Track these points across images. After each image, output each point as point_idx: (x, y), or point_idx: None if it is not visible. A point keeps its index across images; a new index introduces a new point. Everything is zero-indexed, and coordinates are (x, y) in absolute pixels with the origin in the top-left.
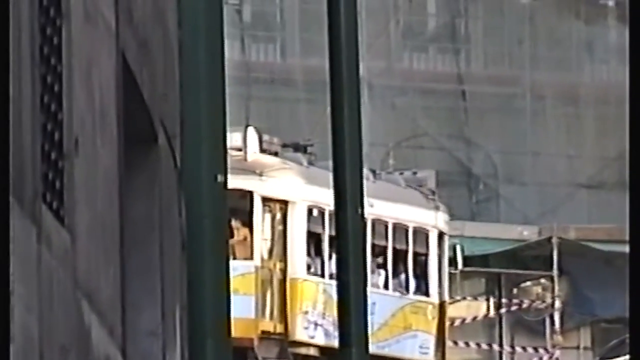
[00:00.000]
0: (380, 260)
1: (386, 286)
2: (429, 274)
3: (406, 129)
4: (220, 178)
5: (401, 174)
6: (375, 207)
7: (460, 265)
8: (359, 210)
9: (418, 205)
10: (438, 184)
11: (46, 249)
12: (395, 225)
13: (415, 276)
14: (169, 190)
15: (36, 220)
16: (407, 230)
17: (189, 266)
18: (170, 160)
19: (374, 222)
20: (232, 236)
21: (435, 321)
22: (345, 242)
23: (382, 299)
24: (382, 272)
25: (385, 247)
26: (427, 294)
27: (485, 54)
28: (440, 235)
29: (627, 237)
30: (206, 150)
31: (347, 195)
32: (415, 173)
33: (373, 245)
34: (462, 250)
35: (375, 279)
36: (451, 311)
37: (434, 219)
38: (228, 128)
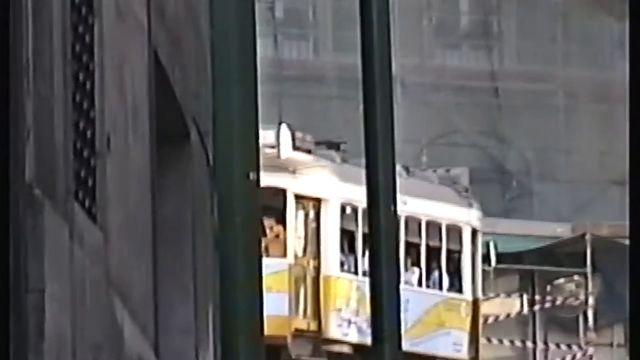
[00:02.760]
0: (413, 257)
1: (419, 283)
2: (463, 271)
3: (439, 126)
4: (252, 176)
5: (434, 171)
6: (409, 205)
7: (493, 263)
8: (392, 208)
9: (451, 203)
10: (471, 181)
11: (79, 247)
12: (428, 223)
13: (449, 273)
14: (201, 187)
15: (68, 218)
16: (440, 228)
17: (221, 264)
18: (203, 157)
19: (407, 219)
20: (265, 234)
21: (469, 318)
22: (378, 239)
23: (415, 296)
24: (416, 269)
25: (419, 245)
26: (460, 291)
27: (518, 51)
28: (474, 232)
29: None
30: (238, 147)
31: (380, 193)
32: (448, 170)
33: (406, 243)
34: (496, 248)
35: (408, 276)
36: (485, 308)
37: (467, 216)
38: (261, 125)
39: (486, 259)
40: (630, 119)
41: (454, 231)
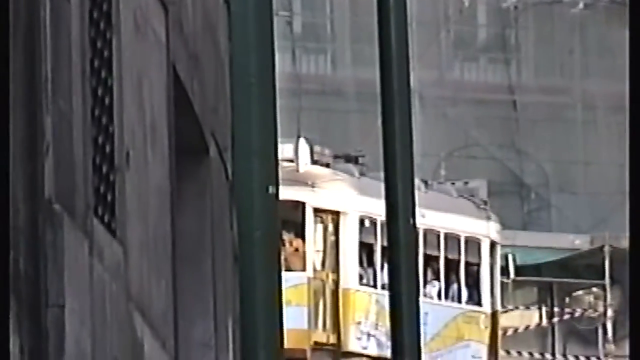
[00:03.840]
0: (432, 270)
1: (439, 296)
2: (481, 284)
3: (457, 139)
4: (271, 189)
5: (453, 184)
6: (427, 218)
7: (512, 275)
8: (411, 221)
9: (470, 215)
10: (490, 193)
11: (98, 262)
12: (447, 235)
13: (468, 286)
14: (220, 202)
15: (88, 233)
16: (459, 240)
17: (240, 278)
18: (222, 172)
19: (425, 232)
20: (284, 247)
21: (488, 331)
22: (397, 252)
23: (434, 309)
24: (435, 282)
25: (438, 257)
26: (479, 303)
27: (536, 64)
28: (492, 244)
29: None
30: (257, 162)
31: (399, 206)
32: (466, 183)
33: (425, 256)
34: (514, 260)
35: (427, 289)
36: (504, 320)
37: (486, 229)
38: (279, 139)
39: (505, 271)
40: (631, 122)
41: (473, 244)
